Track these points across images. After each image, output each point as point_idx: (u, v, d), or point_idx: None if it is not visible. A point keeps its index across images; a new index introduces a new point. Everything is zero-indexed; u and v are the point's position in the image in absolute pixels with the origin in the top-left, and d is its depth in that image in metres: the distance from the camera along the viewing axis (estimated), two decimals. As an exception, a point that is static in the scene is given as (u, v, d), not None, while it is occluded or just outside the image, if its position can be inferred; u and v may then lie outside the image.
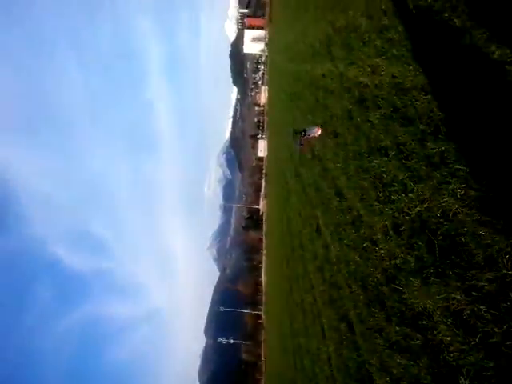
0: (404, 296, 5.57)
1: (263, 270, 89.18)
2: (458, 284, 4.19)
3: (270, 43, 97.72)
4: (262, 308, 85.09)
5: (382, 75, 6.86)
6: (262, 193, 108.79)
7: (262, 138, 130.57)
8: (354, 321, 8.38)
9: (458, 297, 4.18)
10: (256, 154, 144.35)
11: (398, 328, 5.73)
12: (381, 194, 6.56)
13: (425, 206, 5.03)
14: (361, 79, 8.24)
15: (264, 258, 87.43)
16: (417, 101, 5.35)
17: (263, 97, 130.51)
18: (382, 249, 6.53)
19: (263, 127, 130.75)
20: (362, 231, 7.64)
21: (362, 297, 7.69)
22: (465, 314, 4.06)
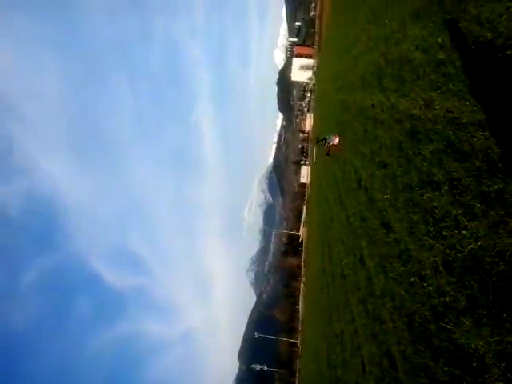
0: (453, 335, 5.39)
1: (301, 297, 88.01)
2: (514, 327, 4.05)
3: (318, 72, 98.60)
4: (298, 336, 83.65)
5: (436, 109, 6.81)
6: (303, 219, 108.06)
7: (305, 165, 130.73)
8: (397, 357, 8.15)
9: (514, 340, 4.03)
10: (298, 179, 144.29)
11: (445, 368, 5.54)
12: (431, 229, 6.44)
13: (479, 244, 4.91)
14: (413, 112, 8.20)
15: (302, 285, 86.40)
16: (473, 137, 5.28)
17: (308, 124, 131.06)
18: (430, 285, 6.37)
19: (307, 154, 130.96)
20: (410, 265, 7.48)
21: (406, 333, 7.49)
22: (520, 359, 3.91)
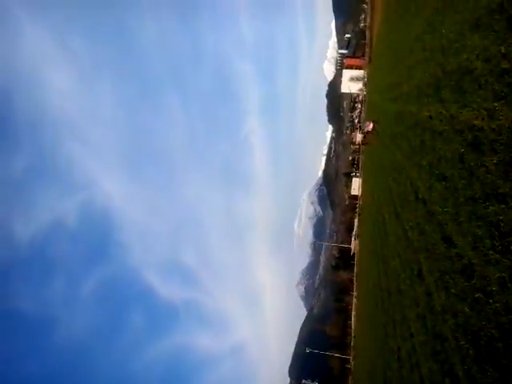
0: (524, 355, 5.19)
1: (353, 312, 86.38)
2: None
3: (368, 83, 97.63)
4: (351, 352, 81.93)
5: (500, 119, 6.61)
6: (355, 232, 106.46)
7: (356, 176, 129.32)
8: (460, 376, 7.86)
9: None
10: (349, 192, 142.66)
11: (516, 389, 5.32)
12: (497, 244, 6.22)
13: (551, 259, 4.72)
14: (475, 122, 7.99)
15: (354, 300, 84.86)
16: (543, 148, 5.11)
17: (359, 136, 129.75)
18: (497, 301, 6.15)
19: (358, 165, 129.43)
20: (474, 281, 7.25)
21: (471, 351, 7.23)
22: None
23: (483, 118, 7.53)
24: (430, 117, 12.75)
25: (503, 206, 6.15)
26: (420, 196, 13.54)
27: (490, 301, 6.40)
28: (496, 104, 6.85)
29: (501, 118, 6.63)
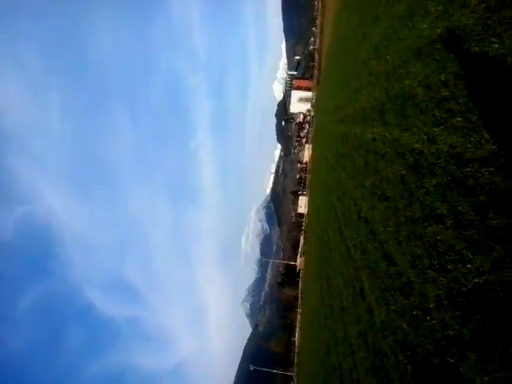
0: (458, 370, 5.36)
1: (297, 329, 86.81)
2: (521, 363, 4.06)
3: (316, 104, 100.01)
4: (294, 369, 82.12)
5: (439, 144, 6.95)
6: (300, 249, 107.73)
7: (302, 195, 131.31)
8: (399, 392, 8.05)
9: (521, 376, 4.03)
10: (296, 210, 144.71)
11: (450, 404, 5.50)
12: (435, 263, 6.47)
13: (484, 278, 4.94)
14: (416, 146, 8.35)
15: (299, 316, 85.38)
16: (477, 172, 5.39)
17: (306, 155, 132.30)
18: (434, 319, 6.36)
19: (305, 184, 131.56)
20: (413, 299, 7.48)
21: (409, 367, 7.43)
22: (528, 395, 3.90)
23: (423, 142, 7.88)
24: (374, 139, 13.20)
25: (441, 226, 6.41)
26: (363, 215, 13.92)
27: (428, 318, 6.61)
28: (436, 129, 7.19)
29: (440, 142, 6.96)
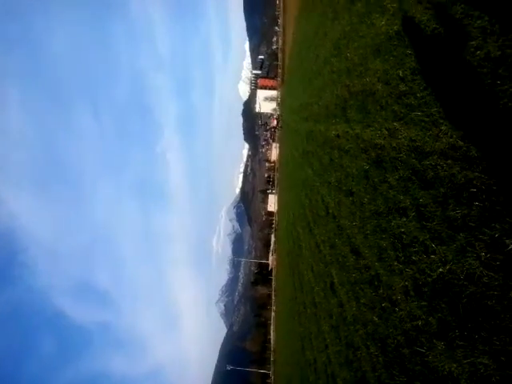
0: (427, 359, 5.49)
1: (272, 327, 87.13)
2: (486, 348, 4.17)
3: (282, 103, 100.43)
4: (271, 367, 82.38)
5: (399, 138, 7.09)
6: (272, 247, 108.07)
7: (272, 193, 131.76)
8: (372, 383, 8.18)
9: (486, 361, 4.14)
10: (266, 208, 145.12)
11: (421, 392, 5.61)
12: (400, 255, 6.60)
13: (447, 267, 5.07)
14: (377, 141, 8.49)
15: (273, 314, 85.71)
16: (437, 165, 5.52)
17: (274, 153, 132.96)
18: (402, 310, 6.49)
19: (273, 182, 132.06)
20: (381, 291, 7.61)
21: (381, 358, 7.56)
22: (493, 379, 4.00)
23: (385, 137, 8.02)
24: (338, 135, 13.36)
25: (404, 219, 6.54)
26: (330, 211, 14.07)
27: (396, 309, 6.74)
28: (396, 124, 7.33)
29: (400, 137, 7.11)
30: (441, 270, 5.22)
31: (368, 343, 8.45)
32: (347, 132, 11.79)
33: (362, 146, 9.98)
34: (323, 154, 16.56)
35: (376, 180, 8.35)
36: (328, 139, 15.52)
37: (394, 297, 6.88)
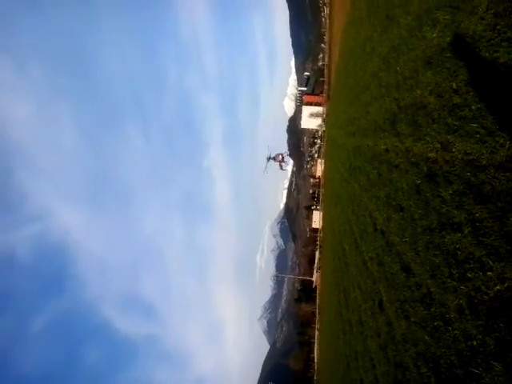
0: (483, 381, 5.24)
1: (316, 345, 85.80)
2: (550, 371, 3.95)
3: (327, 119, 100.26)
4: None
5: (453, 152, 6.90)
6: (316, 264, 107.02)
7: (316, 210, 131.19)
8: (423, 406, 7.88)
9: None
10: (310, 225, 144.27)
11: (476, 416, 5.36)
12: (454, 271, 6.38)
13: (505, 285, 4.86)
14: (429, 155, 8.30)
15: (317, 332, 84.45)
16: (494, 178, 5.33)
17: (319, 169, 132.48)
18: (456, 329, 6.25)
19: (318, 199, 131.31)
20: (433, 309, 7.36)
21: (432, 379, 7.28)
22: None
23: (437, 151, 7.83)
24: (387, 150, 13.16)
25: (459, 234, 6.33)
26: (378, 227, 13.80)
27: (449, 328, 6.50)
28: (449, 137, 7.15)
29: (454, 150, 6.92)
30: (498, 287, 5.01)
31: (419, 363, 8.16)
32: (397, 146, 11.59)
33: (412, 160, 9.77)
34: (371, 169, 16.33)
35: (428, 195, 8.14)
36: (376, 154, 15.31)
37: (447, 315, 6.63)
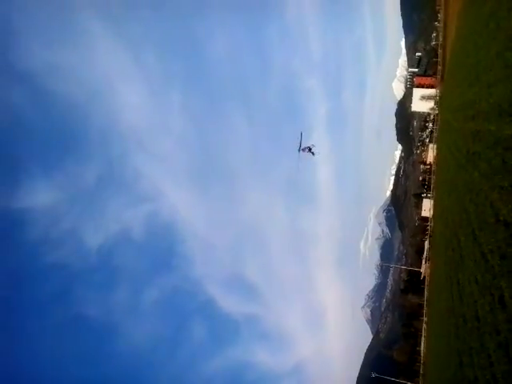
0: None
1: (423, 338, 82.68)
2: None
3: (441, 101, 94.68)
4: (420, 380, 78.35)
5: None
6: (425, 255, 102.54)
7: (427, 197, 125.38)
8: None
9: None
10: (419, 213, 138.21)
11: None
12: None
13: None
14: None
15: (424, 325, 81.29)
16: None
17: (430, 155, 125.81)
18: None
19: (429, 186, 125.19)
20: None
21: None
22: None
23: None
24: (513, 135, 12.25)
25: None
26: (501, 218, 12.94)
27: None
28: None
29: None
30: None
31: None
32: (525, 132, 10.75)
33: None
34: (493, 156, 15.26)
35: None
36: (500, 139, 14.27)
37: None
